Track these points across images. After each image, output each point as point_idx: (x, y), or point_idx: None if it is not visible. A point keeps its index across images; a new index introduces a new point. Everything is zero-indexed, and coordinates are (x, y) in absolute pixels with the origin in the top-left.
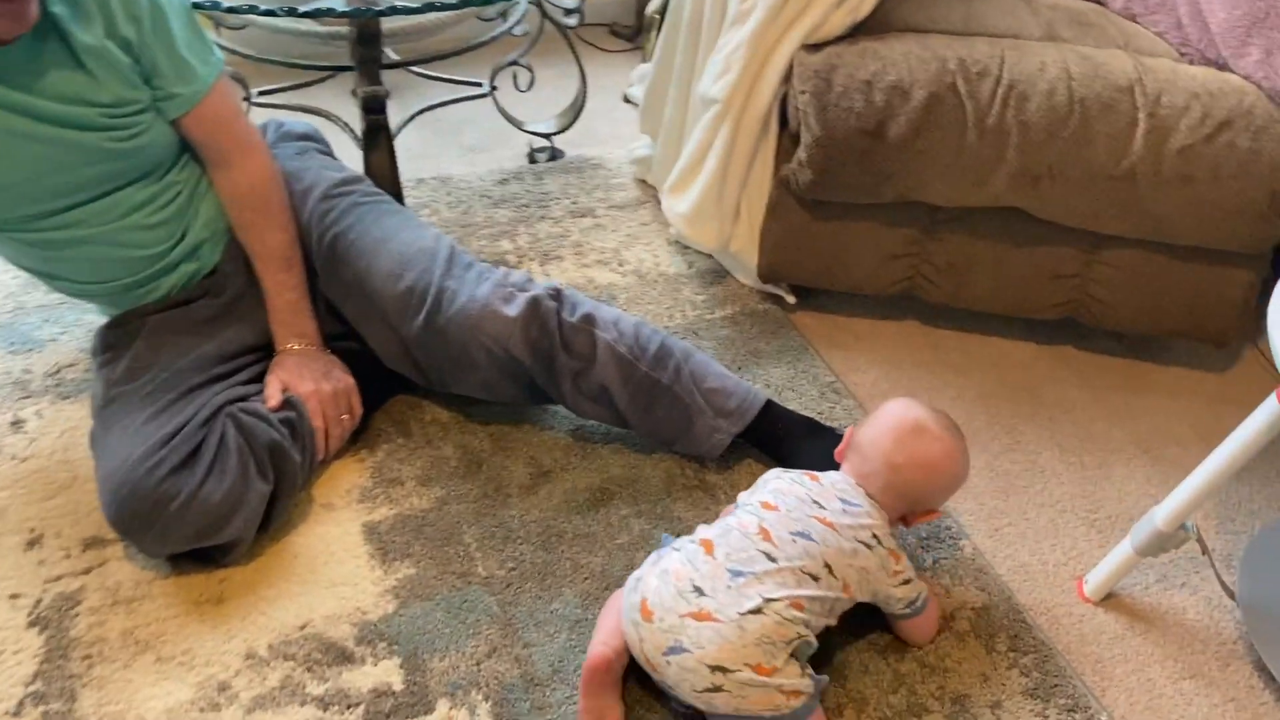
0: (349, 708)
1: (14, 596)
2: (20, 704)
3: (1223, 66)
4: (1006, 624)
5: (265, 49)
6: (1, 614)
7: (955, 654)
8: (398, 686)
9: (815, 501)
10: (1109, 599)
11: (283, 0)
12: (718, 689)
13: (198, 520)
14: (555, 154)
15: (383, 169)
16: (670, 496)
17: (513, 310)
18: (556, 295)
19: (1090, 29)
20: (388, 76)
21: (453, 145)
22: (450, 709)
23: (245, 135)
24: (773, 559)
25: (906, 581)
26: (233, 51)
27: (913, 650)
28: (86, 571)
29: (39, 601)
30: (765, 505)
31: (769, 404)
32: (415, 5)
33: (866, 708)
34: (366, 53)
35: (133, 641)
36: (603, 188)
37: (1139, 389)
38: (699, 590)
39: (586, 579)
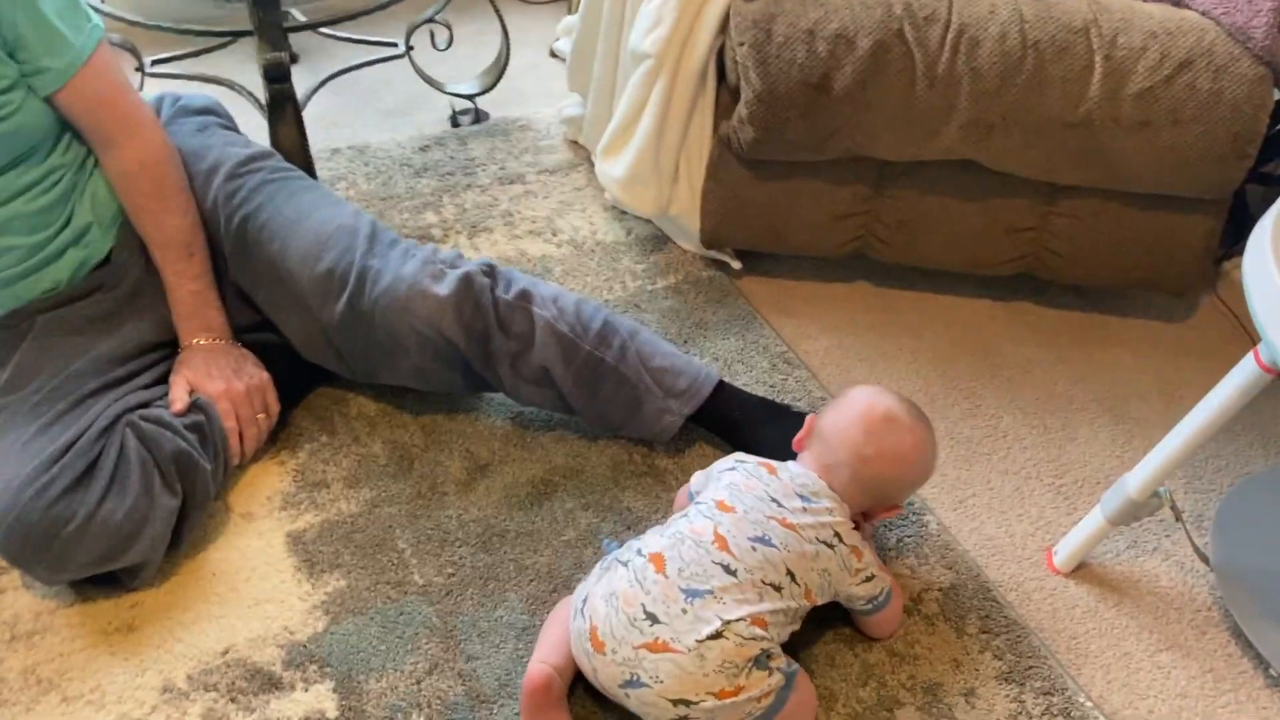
0: None
1: None
2: None
3: (1179, 2)
4: (976, 604)
5: (157, 14)
6: None
7: (925, 640)
8: (332, 713)
9: (774, 500)
10: (1080, 569)
11: None
12: (684, 718)
13: (98, 544)
14: (480, 116)
15: (291, 141)
16: (618, 485)
17: (443, 289)
18: (490, 271)
19: None
20: (296, 40)
21: (370, 111)
22: None
23: (132, 111)
24: (731, 571)
25: (869, 579)
26: (118, 18)
27: (882, 640)
28: None
29: None
30: (721, 505)
31: (722, 384)
32: None
33: (835, 704)
34: (267, 16)
35: (34, 680)
36: (531, 151)
37: (1099, 344)
38: (652, 617)
39: (532, 581)
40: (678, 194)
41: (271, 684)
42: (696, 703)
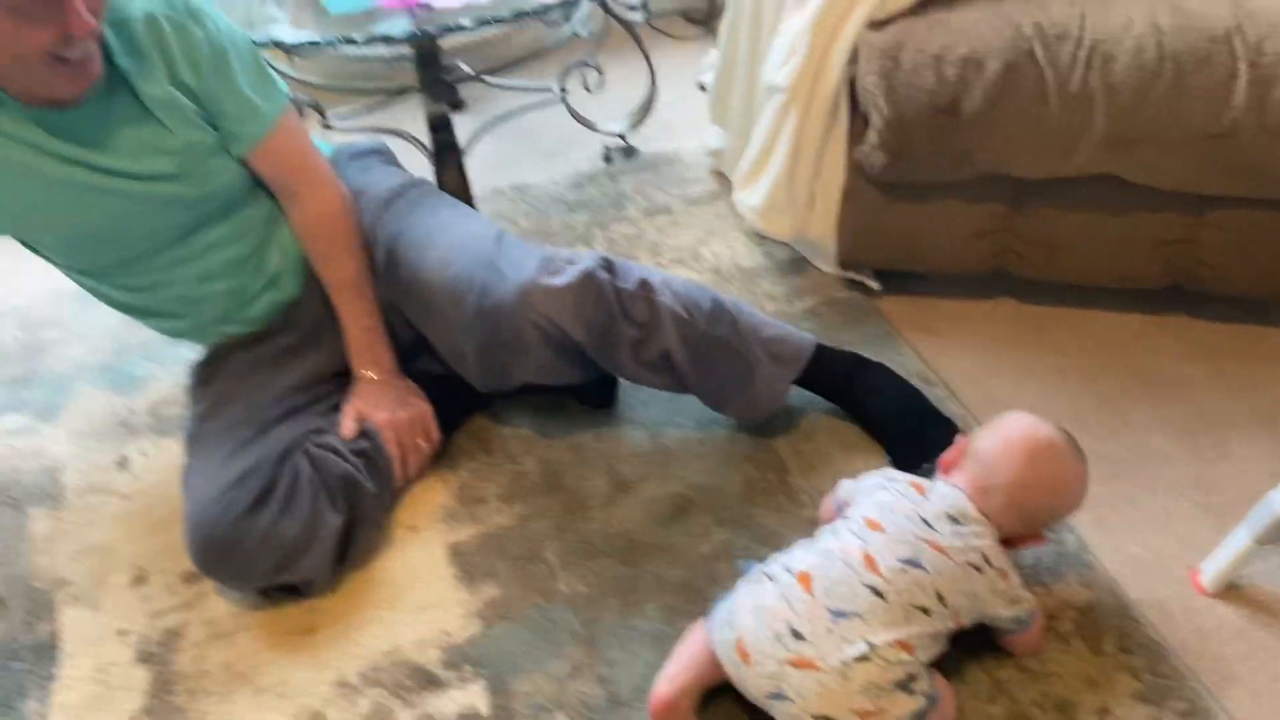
0: None
1: (122, 633)
2: None
3: None
4: (1114, 622)
5: (339, 74)
6: (111, 649)
7: (1059, 657)
8: (484, 710)
9: (925, 521)
10: (1229, 590)
11: (344, 29)
12: None
13: (272, 558)
14: (630, 151)
15: (455, 184)
16: (751, 503)
17: (561, 281)
18: (608, 266)
19: None
20: (463, 88)
21: (530, 152)
22: None
23: (313, 168)
24: (880, 593)
25: (1015, 600)
26: (304, 82)
27: (1014, 656)
28: (188, 606)
29: (145, 638)
30: (870, 524)
31: (819, 346)
32: (470, 22)
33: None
34: (428, 73)
35: (232, 674)
36: (678, 183)
37: (1258, 358)
38: (797, 634)
39: (668, 592)
40: (814, 218)
41: (431, 682)
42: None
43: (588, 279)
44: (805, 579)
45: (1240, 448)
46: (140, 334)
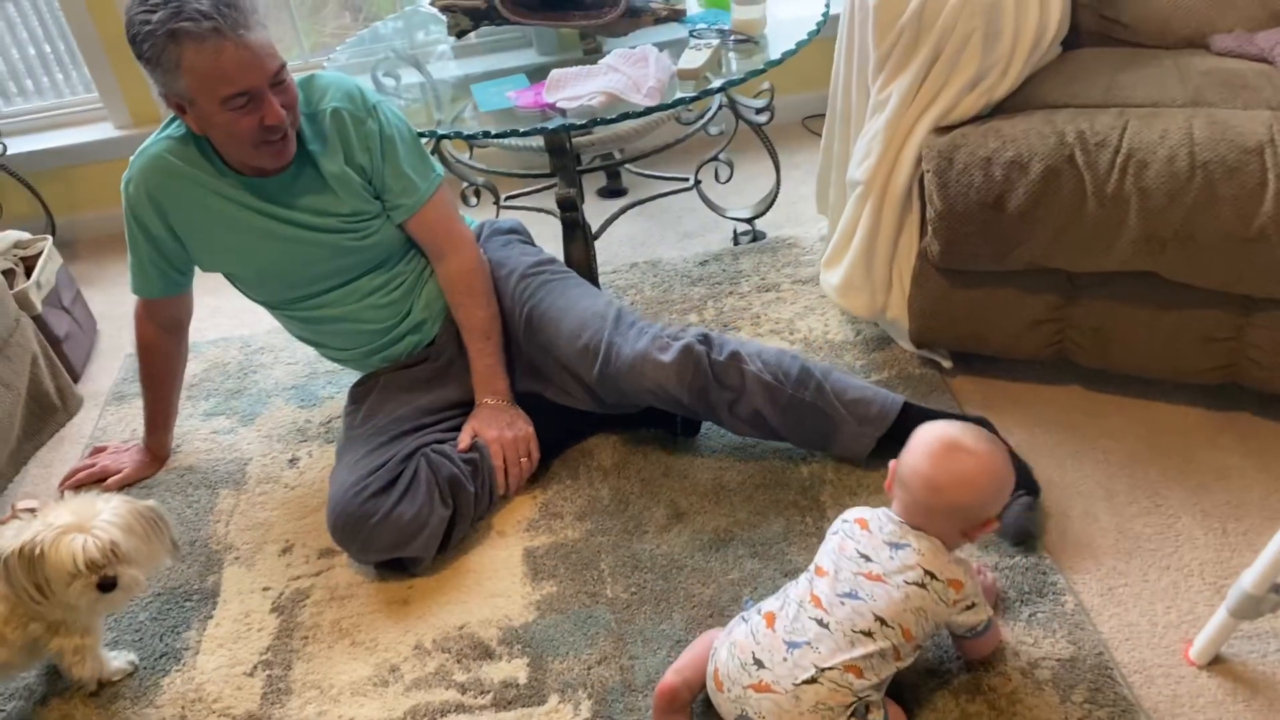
0: (482, 693)
1: (265, 589)
2: (254, 667)
3: None
4: (1090, 678)
5: (509, 163)
6: (255, 600)
7: (1028, 700)
8: (522, 680)
9: (863, 556)
10: (1218, 664)
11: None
12: None
13: (391, 535)
14: (757, 236)
15: (579, 256)
16: (786, 541)
17: (668, 357)
18: (705, 340)
19: (1242, 91)
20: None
21: (670, 233)
22: (559, 703)
23: (458, 234)
24: (823, 624)
25: (970, 607)
26: (477, 168)
27: (985, 693)
28: (318, 574)
29: (281, 594)
30: (818, 571)
31: (907, 405)
32: (611, 117)
33: None
34: (557, 161)
35: (338, 629)
36: (792, 265)
37: None
38: (759, 663)
39: (695, 607)
40: (893, 300)
41: (487, 654)
42: None
43: (687, 352)
44: (770, 618)
45: (1265, 538)
46: (328, 364)
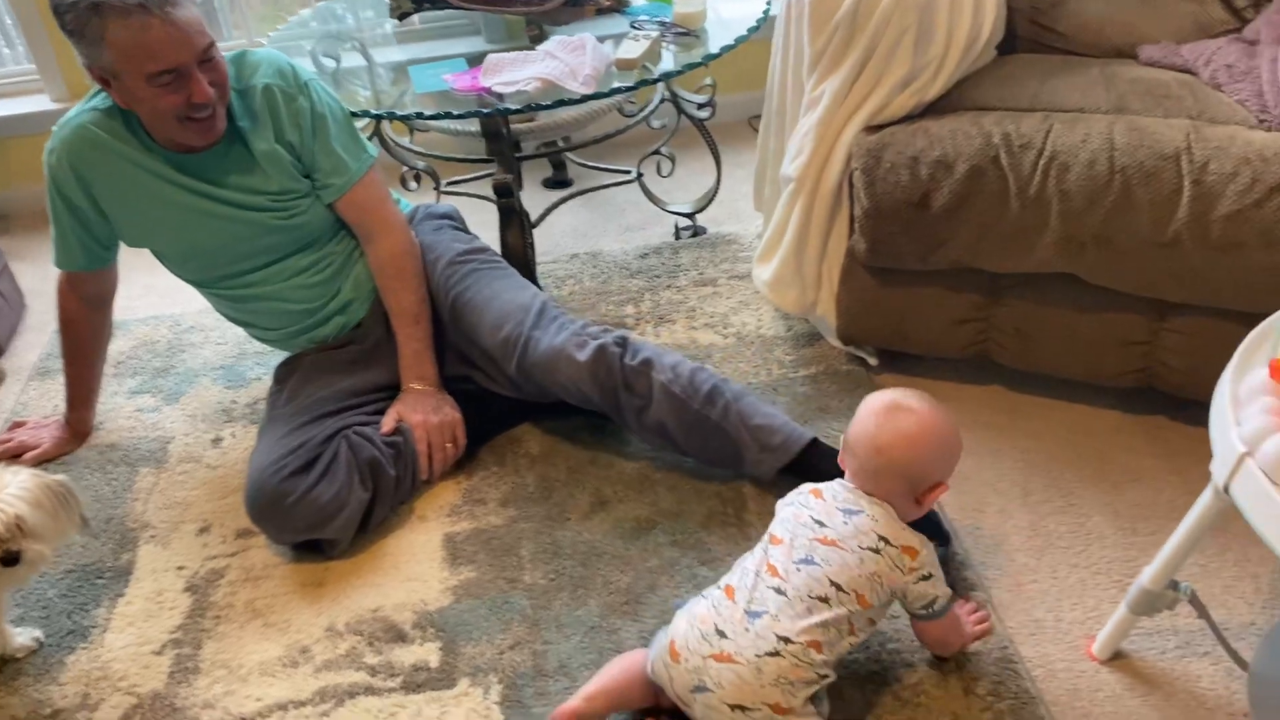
0: (392, 676)
1: (180, 568)
2: (163, 646)
3: None
4: (994, 671)
5: (451, 148)
6: (169, 579)
7: (932, 691)
8: (433, 664)
9: (818, 522)
10: (1119, 659)
11: (442, 107)
12: None
13: (308, 516)
14: (697, 231)
15: (516, 243)
16: (707, 530)
17: (582, 356)
18: (621, 342)
19: (1164, 100)
20: (572, 168)
21: (613, 225)
22: (469, 686)
23: (389, 216)
24: (781, 592)
25: (926, 577)
26: (417, 152)
27: (890, 684)
28: (234, 555)
29: (196, 573)
30: (773, 540)
31: (815, 442)
32: (547, 103)
33: None
34: (494, 147)
35: (251, 610)
36: (730, 260)
37: None
38: (720, 633)
39: (612, 594)
40: (822, 297)
41: (399, 637)
42: (752, 710)
43: (601, 353)
44: (730, 590)
45: None
46: (257, 345)
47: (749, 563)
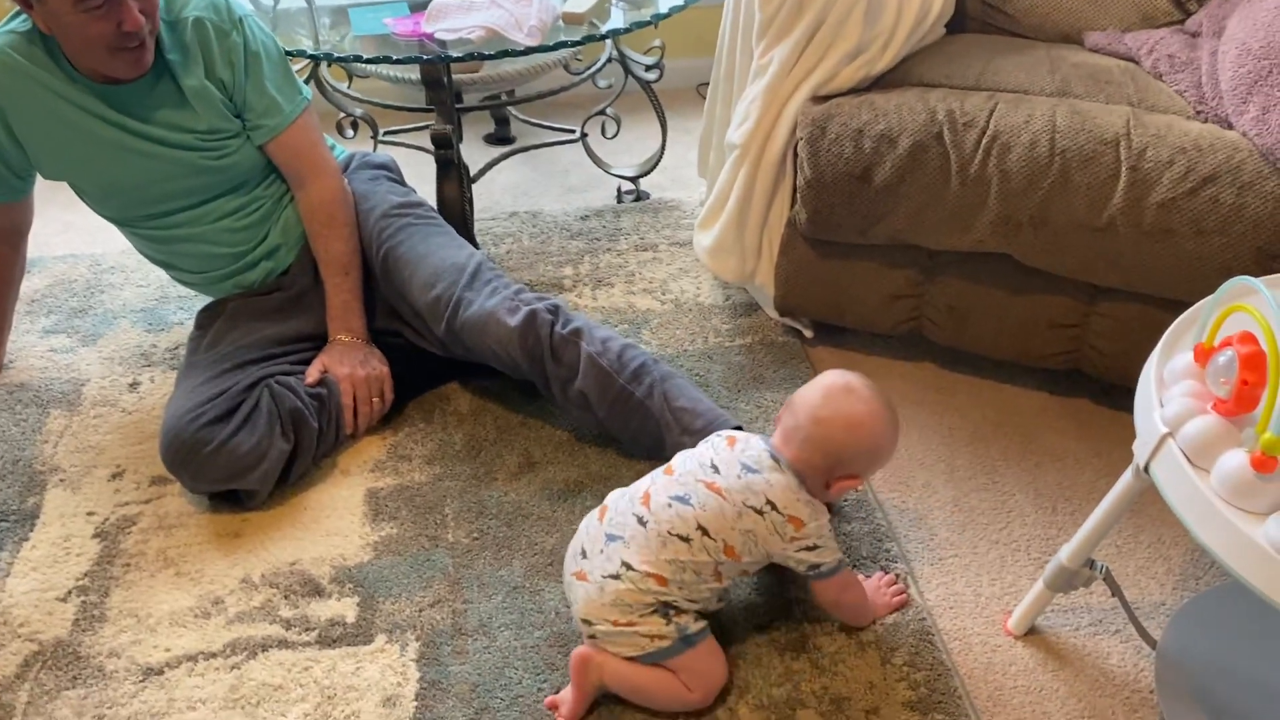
0: (307, 630)
1: (90, 514)
2: (69, 593)
3: (1230, 125)
4: (911, 642)
5: (391, 96)
6: (78, 525)
7: (850, 660)
8: (350, 619)
9: (713, 466)
10: (1033, 635)
11: (381, 51)
12: (592, 636)
13: (225, 465)
14: (641, 195)
15: (453, 196)
16: None
17: (514, 321)
18: (554, 310)
19: (1106, 86)
20: (515, 125)
21: (555, 186)
22: (386, 643)
23: (320, 161)
24: (642, 522)
25: (811, 548)
26: (356, 98)
27: (809, 651)
28: (148, 502)
29: (106, 520)
30: (666, 470)
31: (737, 430)
32: (490, 53)
33: (747, 694)
34: (433, 95)
35: (163, 558)
36: (671, 226)
37: None
38: (584, 553)
39: (536, 555)
40: (761, 267)
41: (316, 591)
42: (596, 624)
43: (531, 319)
44: (603, 510)
45: None
46: (181, 289)
47: (632, 486)
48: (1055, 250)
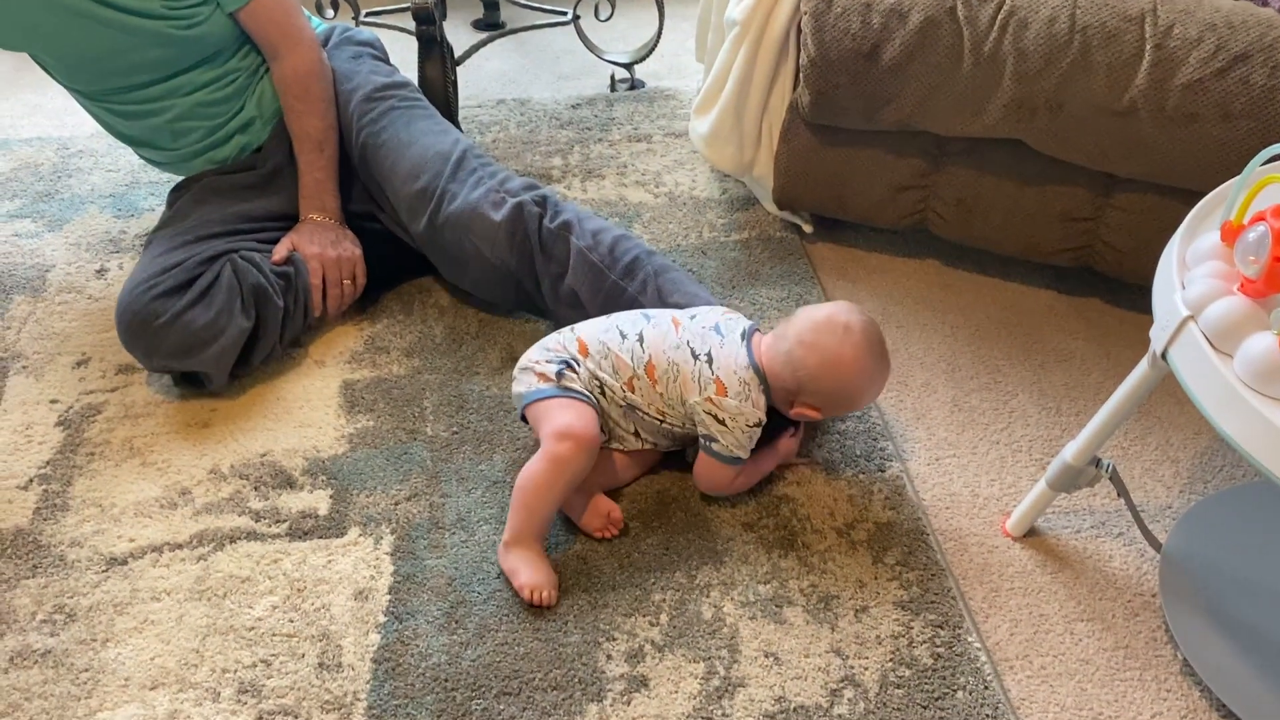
0: (277, 522)
1: (53, 401)
2: (30, 481)
3: (1265, 0)
4: (905, 542)
5: None
6: (40, 412)
7: (840, 559)
8: (322, 511)
9: (691, 315)
10: (1032, 537)
11: None
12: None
13: (179, 339)
14: (635, 84)
15: (435, 77)
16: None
17: (499, 215)
18: (541, 202)
19: None
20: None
21: (546, 73)
22: (359, 536)
23: (295, 31)
24: (605, 314)
25: (718, 421)
26: None
27: (798, 549)
28: (114, 390)
29: (70, 408)
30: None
31: None
32: None
33: (733, 590)
34: None
35: (128, 448)
36: (666, 116)
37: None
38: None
39: (518, 450)
40: (760, 156)
41: (288, 483)
42: (520, 363)
43: (518, 211)
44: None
45: None
46: (152, 174)
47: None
48: (1071, 136)
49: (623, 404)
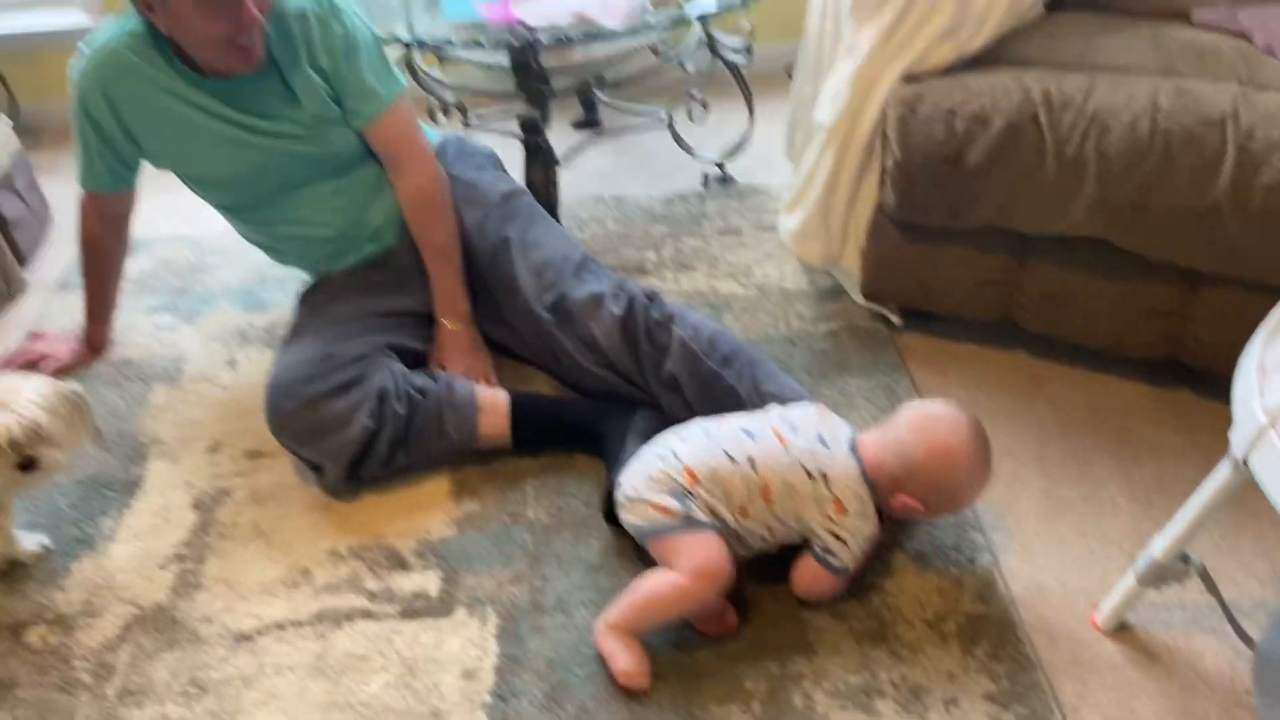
0: (391, 602)
1: (188, 484)
2: (167, 560)
3: None
4: (994, 634)
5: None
6: (176, 495)
7: (931, 651)
8: (433, 592)
9: (791, 425)
10: (1124, 631)
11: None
12: (621, 502)
13: (306, 423)
14: (726, 180)
15: (540, 181)
16: None
17: (618, 308)
18: (651, 296)
19: (1214, 65)
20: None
21: (643, 170)
22: (467, 616)
23: (416, 149)
24: (707, 434)
25: (839, 539)
26: (451, 85)
27: (888, 640)
28: (242, 475)
29: (203, 491)
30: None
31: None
32: (548, 39)
33: (824, 680)
34: (522, 80)
35: (255, 530)
36: (756, 210)
37: None
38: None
39: (618, 537)
40: (848, 250)
41: (400, 564)
42: (625, 488)
43: (632, 305)
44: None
45: None
46: (279, 270)
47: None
48: (1155, 235)
49: (735, 528)
